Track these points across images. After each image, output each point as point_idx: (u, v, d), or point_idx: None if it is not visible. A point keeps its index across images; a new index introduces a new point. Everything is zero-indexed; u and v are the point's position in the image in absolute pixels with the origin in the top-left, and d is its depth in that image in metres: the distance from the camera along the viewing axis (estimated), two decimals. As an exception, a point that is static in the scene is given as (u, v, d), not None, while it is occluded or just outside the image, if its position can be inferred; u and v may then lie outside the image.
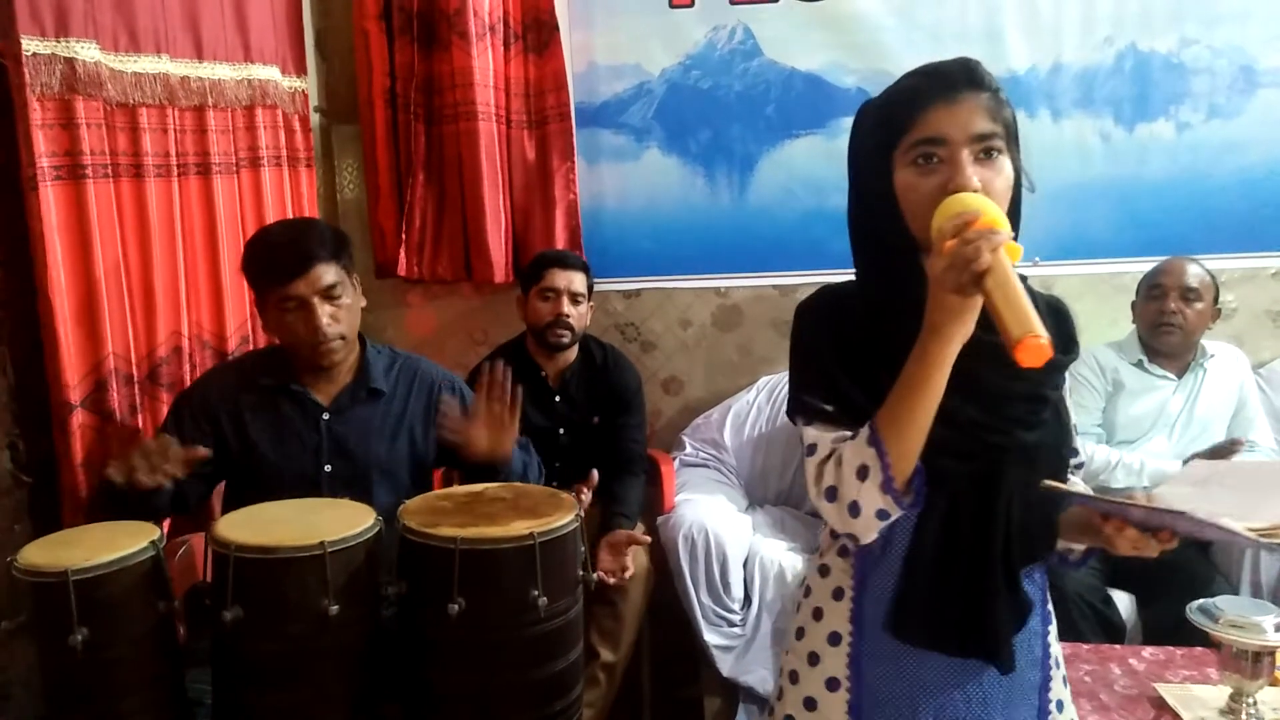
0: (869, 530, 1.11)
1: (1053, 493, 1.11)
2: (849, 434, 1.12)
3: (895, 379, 1.08)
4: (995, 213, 1.02)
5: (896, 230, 1.13)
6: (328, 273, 1.90)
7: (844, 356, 1.14)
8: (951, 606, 1.13)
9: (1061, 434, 1.20)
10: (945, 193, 1.07)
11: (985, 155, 1.09)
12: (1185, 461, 2.50)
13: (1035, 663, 1.20)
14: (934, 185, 1.08)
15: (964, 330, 1.03)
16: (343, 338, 1.95)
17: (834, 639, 1.21)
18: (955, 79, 1.10)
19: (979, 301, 1.01)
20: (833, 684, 1.21)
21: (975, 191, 1.06)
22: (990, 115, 1.09)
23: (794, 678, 1.26)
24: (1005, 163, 1.11)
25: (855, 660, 1.19)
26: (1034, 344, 0.94)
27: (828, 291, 1.24)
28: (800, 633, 1.26)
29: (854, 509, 1.09)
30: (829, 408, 1.14)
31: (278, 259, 1.91)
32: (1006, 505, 1.12)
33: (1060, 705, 1.24)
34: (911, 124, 1.10)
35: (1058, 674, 1.25)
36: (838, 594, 1.22)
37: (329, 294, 1.91)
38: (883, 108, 1.16)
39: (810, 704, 1.23)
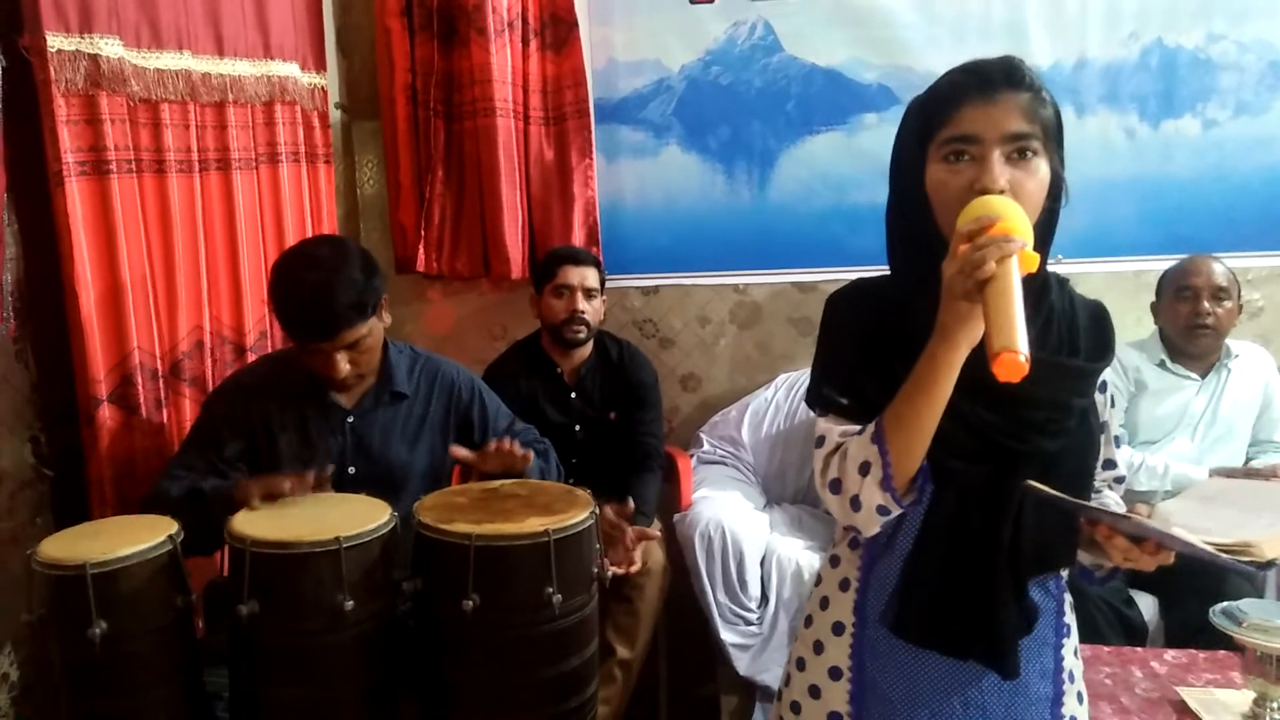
0: (871, 524, 1.12)
1: (1033, 494, 1.07)
2: (857, 429, 1.12)
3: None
4: (1016, 219, 1.00)
5: (926, 226, 1.12)
6: (353, 333, 1.87)
7: (868, 350, 1.14)
8: (952, 607, 1.12)
9: (1088, 444, 1.17)
10: (973, 191, 1.06)
11: (1019, 155, 1.08)
12: (1211, 473, 2.47)
13: (1046, 674, 1.18)
14: (962, 183, 1.07)
15: (972, 335, 1.02)
16: (360, 376, 1.95)
17: (838, 629, 1.22)
18: (994, 77, 1.09)
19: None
20: (835, 673, 1.22)
21: (1001, 193, 1.05)
22: (1027, 115, 1.08)
23: (800, 664, 1.27)
24: (1040, 164, 1.09)
25: (857, 651, 1.20)
26: (1009, 360, 0.93)
27: (860, 283, 1.23)
28: (809, 620, 1.28)
29: (855, 503, 1.10)
30: (844, 401, 1.15)
31: (304, 320, 1.86)
32: (1018, 511, 1.10)
33: None
34: (946, 120, 1.09)
35: (1071, 689, 1.21)
36: (844, 584, 1.23)
37: (353, 346, 1.89)
38: (923, 104, 1.15)
39: (815, 691, 1.24)
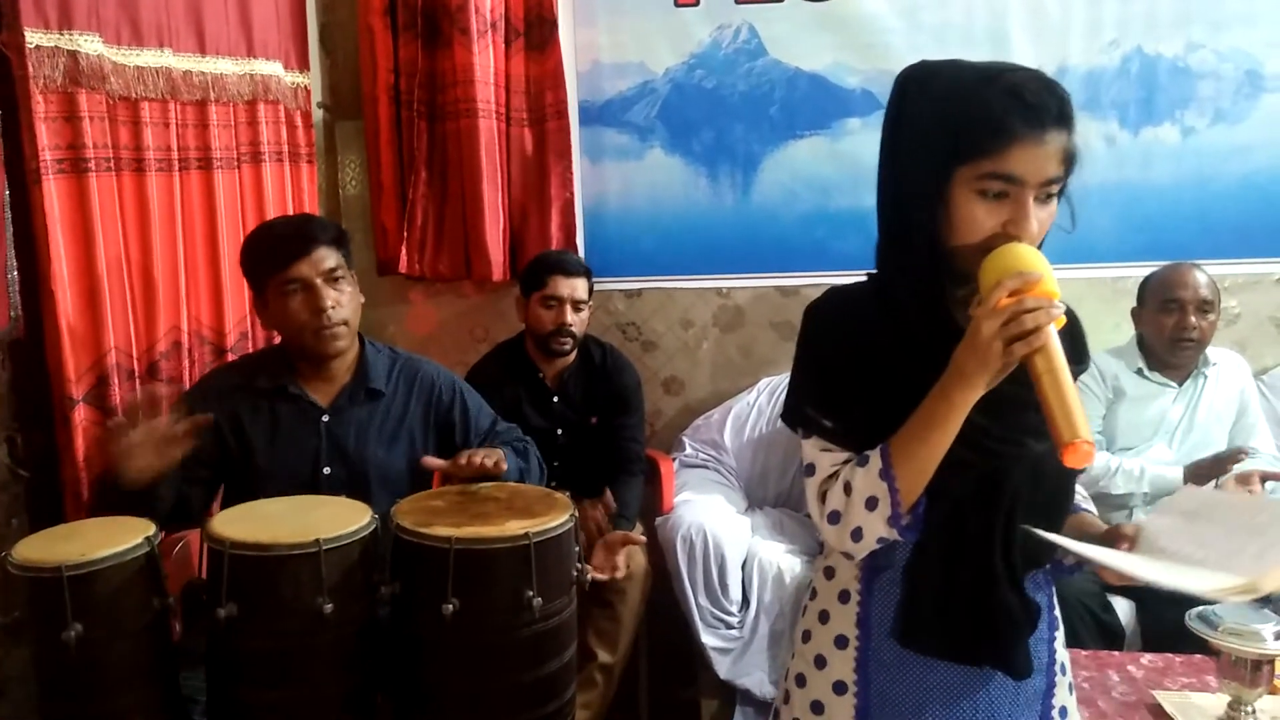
0: (865, 552, 1.12)
1: (1035, 541, 1.10)
2: (848, 456, 1.12)
3: (907, 399, 1.07)
4: (1052, 277, 1.01)
5: (927, 233, 1.09)
6: (330, 256, 1.91)
7: (852, 367, 1.12)
8: (959, 614, 1.12)
9: None
10: (1003, 233, 1.05)
11: (1045, 198, 1.07)
12: (1186, 469, 2.49)
13: (1040, 669, 1.20)
14: (996, 221, 1.06)
15: (992, 380, 1.02)
16: (346, 323, 1.94)
17: (840, 642, 1.20)
18: (1047, 115, 1.03)
19: (1016, 361, 1.00)
20: (840, 688, 1.20)
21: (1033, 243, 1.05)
22: (1064, 159, 1.05)
23: (800, 681, 1.24)
24: (1054, 204, 1.09)
25: (862, 664, 1.18)
26: (1084, 450, 0.95)
27: (840, 294, 1.20)
28: (806, 636, 1.25)
29: (856, 534, 1.10)
30: (828, 423, 1.14)
31: (280, 243, 1.92)
32: (1009, 512, 1.11)
33: (1064, 712, 1.24)
34: (991, 152, 1.03)
35: (1063, 680, 1.24)
36: (844, 597, 1.21)
37: (331, 276, 1.91)
38: (957, 120, 1.05)
39: (817, 708, 1.22)
